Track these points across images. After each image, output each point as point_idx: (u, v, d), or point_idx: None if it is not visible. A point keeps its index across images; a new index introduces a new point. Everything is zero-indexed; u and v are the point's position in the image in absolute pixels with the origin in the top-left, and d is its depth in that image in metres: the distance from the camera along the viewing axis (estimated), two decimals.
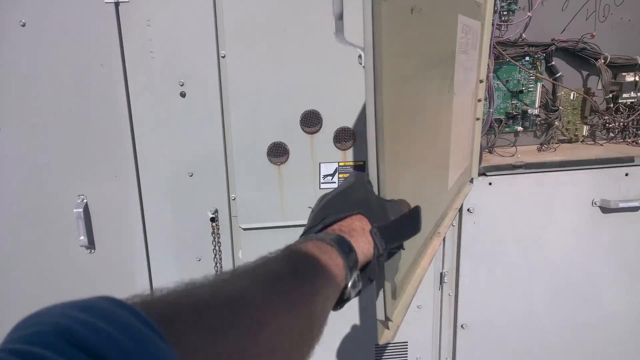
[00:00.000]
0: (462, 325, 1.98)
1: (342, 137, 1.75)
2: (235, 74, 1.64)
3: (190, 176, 1.72)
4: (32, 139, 1.64)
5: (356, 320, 1.97)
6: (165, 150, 1.69)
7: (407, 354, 2.05)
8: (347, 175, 1.77)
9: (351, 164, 1.80)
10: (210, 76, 1.64)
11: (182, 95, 1.64)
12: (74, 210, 1.66)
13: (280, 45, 1.63)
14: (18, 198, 1.67)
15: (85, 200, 1.67)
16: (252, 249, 1.84)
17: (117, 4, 1.54)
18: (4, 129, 1.60)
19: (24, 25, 1.52)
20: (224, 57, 1.63)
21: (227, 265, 1.84)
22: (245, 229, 1.79)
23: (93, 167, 1.67)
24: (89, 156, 1.66)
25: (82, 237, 1.67)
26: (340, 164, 1.79)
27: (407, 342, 2.03)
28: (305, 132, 1.74)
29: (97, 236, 1.73)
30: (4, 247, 1.71)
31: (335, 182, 1.81)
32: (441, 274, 1.98)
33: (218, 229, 1.77)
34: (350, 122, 1.74)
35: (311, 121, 1.72)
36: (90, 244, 1.72)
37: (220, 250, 1.80)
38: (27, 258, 1.73)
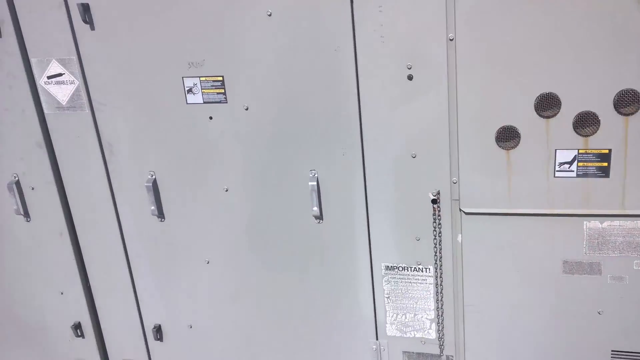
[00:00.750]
0: None
1: (584, 122, 1.31)
2: (464, 56, 1.44)
3: (413, 157, 1.50)
4: (270, 118, 1.65)
5: None
6: (389, 131, 1.59)
7: None
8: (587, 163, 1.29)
9: (594, 151, 1.35)
10: (439, 59, 1.43)
11: (410, 78, 1.42)
12: (309, 183, 1.58)
13: (512, 26, 1.34)
14: (258, 172, 1.70)
15: (316, 175, 1.58)
16: (473, 234, 1.58)
17: None
18: (251, 109, 1.67)
19: (270, 15, 1.52)
20: (452, 39, 1.34)
21: (446, 248, 1.59)
22: (467, 213, 1.50)
23: (323, 144, 1.66)
24: (321, 135, 1.65)
25: (314, 208, 1.60)
26: (581, 151, 1.36)
27: None
28: (540, 115, 1.35)
29: (326, 207, 1.64)
30: (246, 213, 1.73)
31: (573, 171, 1.39)
32: None
33: (439, 210, 1.52)
34: (594, 106, 1.33)
35: (547, 104, 1.33)
36: (318, 217, 1.63)
37: (440, 232, 1.56)
38: (268, 225, 1.75)
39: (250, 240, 1.85)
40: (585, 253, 1.54)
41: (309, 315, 1.90)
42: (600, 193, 1.46)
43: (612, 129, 1.39)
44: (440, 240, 1.66)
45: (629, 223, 1.48)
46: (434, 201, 1.61)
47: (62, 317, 2.17)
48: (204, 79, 1.65)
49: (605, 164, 1.43)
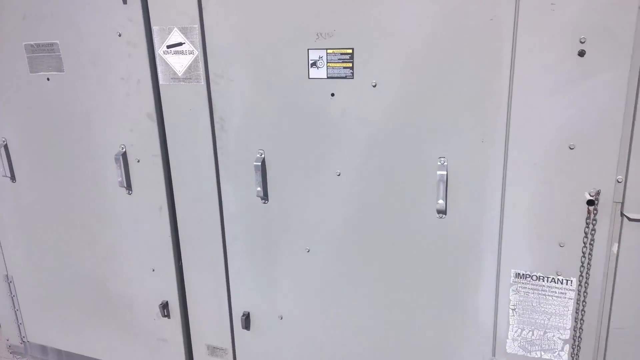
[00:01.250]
0: None
1: None
2: None
3: (571, 149, 1.16)
4: (400, 95, 1.39)
5: None
6: (545, 116, 1.30)
7: None
8: None
9: None
10: (625, 31, 1.07)
11: (581, 54, 1.08)
12: (437, 172, 1.27)
13: None
14: (377, 156, 1.46)
15: (446, 163, 1.26)
16: (634, 245, 1.17)
17: None
18: (380, 86, 1.42)
19: None
20: None
21: (597, 258, 1.22)
22: (631, 220, 1.14)
23: (458, 129, 1.39)
24: (458, 117, 1.38)
25: (440, 201, 1.27)
26: None
27: None
28: None
29: (451, 201, 1.31)
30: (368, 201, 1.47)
31: None
32: None
33: (596, 213, 1.16)
34: None
35: None
36: (442, 211, 1.41)
37: (593, 239, 1.20)
38: (381, 217, 1.46)
39: (359, 232, 1.58)
40: None
41: (415, 321, 1.61)
42: None
43: None
44: (592, 249, 1.30)
45: None
46: (590, 202, 1.26)
47: (150, 295, 1.98)
48: (331, 51, 1.40)
49: None
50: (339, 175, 1.53)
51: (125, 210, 1.90)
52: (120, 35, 1.65)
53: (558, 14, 1.18)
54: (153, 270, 1.94)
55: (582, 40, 1.18)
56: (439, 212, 1.44)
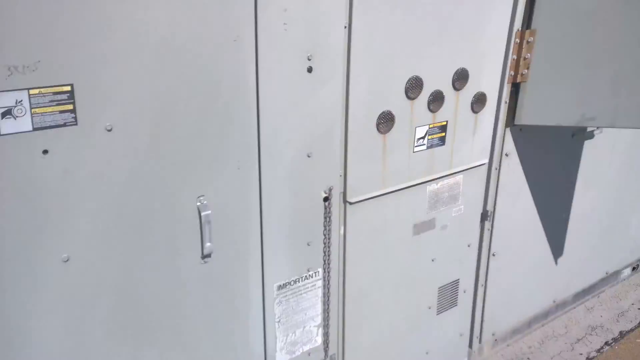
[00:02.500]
0: (493, 254, 2.61)
1: (435, 99, 2.08)
2: (358, 45, 1.81)
3: (309, 157, 1.85)
4: (144, 138, 1.54)
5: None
6: (288, 130, 1.77)
7: (458, 288, 2.56)
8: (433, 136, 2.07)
9: (438, 124, 2.14)
10: (336, 48, 1.77)
11: (309, 70, 1.74)
12: (202, 213, 1.66)
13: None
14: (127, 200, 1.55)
15: (205, 202, 1.68)
16: (355, 224, 2.07)
17: None
18: (117, 129, 1.45)
19: None
20: (346, 27, 1.76)
21: (334, 245, 2.04)
22: (351, 203, 2.01)
23: (213, 161, 1.70)
24: (212, 149, 1.68)
25: (208, 244, 1.70)
26: (431, 126, 2.12)
27: (458, 279, 2.57)
28: (408, 98, 2.00)
29: (216, 240, 1.76)
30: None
31: (424, 144, 2.14)
32: (482, 213, 2.51)
33: (330, 207, 1.96)
34: (442, 85, 2.09)
35: (414, 87, 1.98)
36: (209, 254, 1.74)
37: (330, 229, 2.00)
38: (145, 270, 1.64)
39: (111, 318, 1.65)
40: (427, 213, 2.36)
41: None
42: (439, 159, 2.20)
43: (450, 103, 2.16)
44: (330, 239, 2.06)
45: (451, 180, 2.38)
46: (325, 199, 1.99)
47: None
48: (37, 91, 1.31)
49: (443, 134, 2.23)
50: (67, 261, 1.49)
51: None
52: None
53: (290, 34, 1.56)
54: None
55: (310, 58, 1.68)
56: (204, 256, 1.74)
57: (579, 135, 2.61)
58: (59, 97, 1.29)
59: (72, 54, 1.29)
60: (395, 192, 2.11)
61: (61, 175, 1.36)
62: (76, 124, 1.34)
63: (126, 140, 1.44)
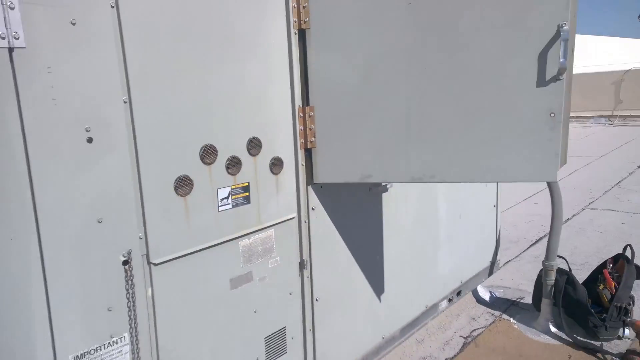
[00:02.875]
0: (316, 299, 2.68)
1: (232, 164, 2.18)
2: (141, 117, 1.87)
3: (100, 222, 1.82)
4: None
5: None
6: (73, 198, 1.73)
7: (285, 336, 2.61)
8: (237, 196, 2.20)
9: (240, 185, 2.21)
10: (117, 121, 1.78)
11: (90, 140, 1.74)
12: None
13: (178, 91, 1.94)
14: None
15: None
16: (163, 284, 2.05)
17: (10, 50, 1.53)
18: None
19: None
20: (126, 102, 1.80)
21: (140, 307, 2.00)
22: (156, 264, 1.99)
23: None
24: None
25: None
26: (233, 187, 2.19)
27: (284, 327, 2.59)
28: (204, 163, 2.06)
29: None
30: None
31: (229, 203, 2.19)
32: (300, 262, 2.59)
33: (131, 270, 1.93)
34: (237, 151, 2.19)
35: (208, 153, 2.06)
36: None
37: (134, 292, 1.95)
38: None
39: None
40: (242, 267, 2.38)
41: None
42: (247, 216, 2.29)
43: (248, 167, 2.25)
44: (134, 302, 1.99)
45: (263, 234, 2.43)
46: (125, 262, 1.94)
47: None
48: None
49: (247, 194, 2.29)
50: None
51: None
52: None
53: (61, 108, 1.63)
54: None
55: (88, 129, 1.68)
56: None
57: (374, 189, 2.80)
58: None
59: None
60: (205, 250, 2.15)
61: None
62: None
63: None
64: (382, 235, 2.94)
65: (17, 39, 1.48)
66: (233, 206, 2.18)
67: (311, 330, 2.69)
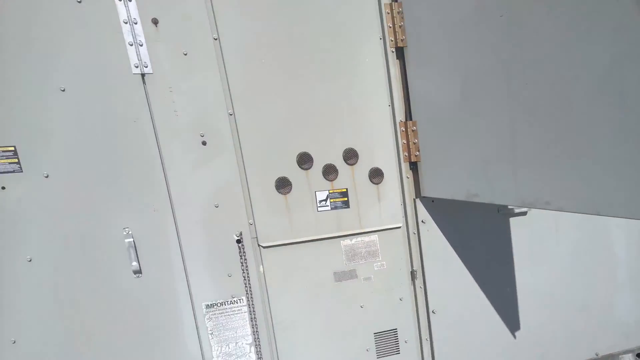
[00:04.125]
0: (432, 311, 2.20)
1: (329, 171, 2.09)
2: (243, 127, 2.00)
3: (217, 207, 1.93)
4: (77, 183, 1.90)
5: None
6: (194, 187, 2.02)
7: (397, 338, 2.24)
8: (335, 200, 2.03)
9: (338, 190, 2.03)
10: (224, 129, 1.99)
11: (204, 144, 1.87)
12: (125, 240, 1.84)
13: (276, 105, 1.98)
14: (71, 231, 1.88)
15: (131, 232, 1.86)
16: (271, 263, 2.07)
17: (142, 75, 1.77)
18: (53, 177, 1.87)
19: (64, 91, 1.83)
20: (231, 114, 1.96)
21: (253, 278, 2.04)
22: (264, 247, 2.00)
23: (134, 203, 1.99)
24: (132, 197, 1.98)
25: (134, 263, 1.87)
26: (330, 191, 2.03)
27: (395, 328, 2.22)
28: (301, 168, 1.97)
29: (144, 261, 1.92)
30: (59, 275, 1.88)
31: (328, 205, 2.03)
32: (411, 272, 2.19)
33: (243, 248, 1.98)
34: (333, 160, 2.08)
35: (305, 160, 2.01)
36: (137, 271, 1.93)
37: (247, 266, 2.01)
38: (81, 283, 1.91)
39: (65, 309, 1.96)
40: (345, 264, 2.20)
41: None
42: (347, 219, 2.15)
43: (345, 175, 2.10)
44: (248, 273, 2.11)
45: (366, 238, 2.20)
46: (238, 241, 2.06)
47: None
48: None
49: (346, 199, 2.13)
50: (30, 260, 1.90)
51: None
52: None
53: (182, 118, 1.94)
54: None
55: (202, 135, 1.97)
56: (135, 272, 2.00)
57: (503, 210, 2.21)
58: (7, 153, 1.68)
59: (15, 128, 1.80)
60: (307, 242, 2.17)
61: (16, 204, 1.72)
62: (22, 172, 1.70)
63: (61, 184, 1.89)
64: (512, 263, 2.26)
65: (146, 67, 1.80)
66: (332, 208, 2.06)
67: (428, 340, 2.28)
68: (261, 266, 2.15)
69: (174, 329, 2.11)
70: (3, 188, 1.82)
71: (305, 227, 2.12)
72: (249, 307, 2.17)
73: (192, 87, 1.92)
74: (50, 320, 1.96)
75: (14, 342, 1.91)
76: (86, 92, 1.83)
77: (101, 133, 1.88)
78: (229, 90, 1.95)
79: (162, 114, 1.92)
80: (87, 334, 1.99)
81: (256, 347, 2.21)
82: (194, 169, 1.99)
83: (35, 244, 1.90)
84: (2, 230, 1.87)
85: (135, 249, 1.97)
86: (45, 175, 1.86)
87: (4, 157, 1.80)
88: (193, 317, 2.11)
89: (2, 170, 1.81)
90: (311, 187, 2.09)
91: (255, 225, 2.09)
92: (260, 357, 2.21)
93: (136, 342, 2.05)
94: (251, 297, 2.16)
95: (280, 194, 2.07)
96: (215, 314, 2.14)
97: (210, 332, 2.15)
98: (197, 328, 2.13)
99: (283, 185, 2.07)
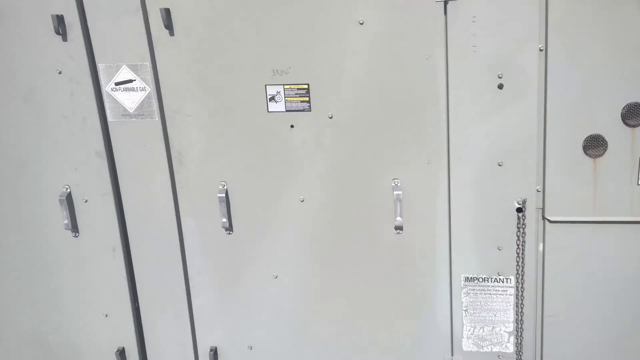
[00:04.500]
0: None
1: None
2: (556, 66, 1.52)
3: (500, 165, 1.50)
4: (355, 126, 1.67)
5: None
6: (477, 139, 1.64)
7: None
8: None
9: None
10: (529, 69, 1.53)
11: (500, 87, 1.43)
12: (394, 192, 1.54)
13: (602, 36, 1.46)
14: (337, 181, 1.71)
15: (399, 184, 1.54)
16: (556, 243, 1.58)
17: (445, 2, 1.37)
18: (336, 117, 1.67)
19: (362, 24, 1.57)
20: (542, 50, 1.40)
21: (529, 258, 1.56)
22: (552, 222, 1.50)
23: (408, 153, 1.68)
24: (407, 144, 1.67)
25: (398, 218, 1.55)
26: None
27: None
28: (626, 124, 1.38)
29: (406, 217, 1.59)
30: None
31: None
32: None
33: (524, 219, 1.50)
34: None
35: (634, 113, 1.36)
36: (399, 227, 1.73)
37: (524, 241, 1.55)
38: (345, 238, 1.70)
39: (324, 254, 1.77)
40: None
41: (380, 331, 1.81)
42: None
43: None
44: (524, 250, 1.66)
45: None
46: (519, 210, 1.61)
47: (104, 343, 1.98)
48: (288, 87, 1.61)
49: None
50: (302, 201, 1.73)
51: (72, 254, 1.91)
52: (60, 73, 1.71)
53: (480, 55, 1.53)
54: (106, 316, 1.96)
55: (500, 76, 1.54)
56: (396, 228, 1.71)
57: None
58: (300, 91, 1.53)
59: (310, 66, 1.63)
60: (615, 224, 1.64)
61: (300, 143, 1.58)
62: (310, 111, 1.53)
63: (341, 126, 1.68)
64: None
65: None
66: None
67: None
68: (542, 244, 1.66)
69: (423, 296, 1.78)
70: (292, 127, 1.68)
71: (617, 203, 1.58)
72: (517, 290, 1.71)
73: (497, 14, 1.49)
74: (305, 266, 1.82)
75: (276, 277, 1.81)
76: (385, 25, 1.55)
77: (389, 72, 1.60)
78: (546, 16, 1.45)
79: (459, 50, 1.56)
80: (334, 287, 1.80)
81: (517, 339, 1.76)
82: (482, 117, 1.59)
83: (308, 186, 1.73)
84: (287, 171, 1.74)
85: (401, 203, 1.67)
86: (330, 116, 1.66)
87: (298, 95, 1.65)
88: (449, 286, 1.75)
89: (294, 109, 1.66)
90: (635, 151, 1.49)
91: (544, 193, 1.60)
92: (519, 352, 1.75)
93: (388, 301, 1.79)
94: (522, 279, 1.70)
95: (587, 157, 1.54)
96: (474, 289, 1.74)
97: (465, 308, 1.77)
98: (450, 300, 1.76)
99: (595, 145, 1.52)
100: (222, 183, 1.81)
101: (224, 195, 1.76)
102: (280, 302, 1.88)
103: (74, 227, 1.92)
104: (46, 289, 1.99)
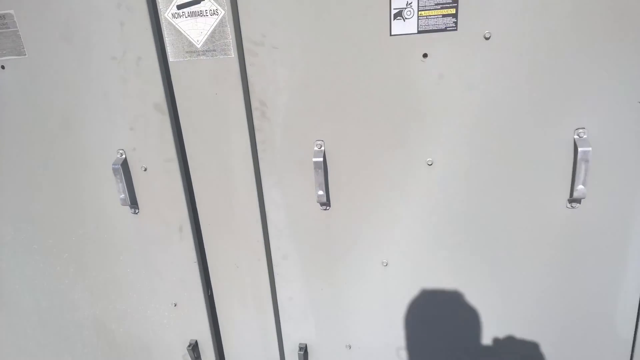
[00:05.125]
0: None
1: None
2: None
3: None
4: (521, 48, 1.03)
5: None
6: None
7: None
8: None
9: None
10: None
11: None
12: (579, 149, 0.90)
13: None
14: (487, 136, 1.01)
15: (585, 136, 0.91)
16: None
17: None
18: (495, 38, 1.04)
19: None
20: None
21: None
22: None
23: (604, 87, 1.01)
24: (599, 70, 1.00)
25: (580, 187, 0.92)
26: None
27: None
28: None
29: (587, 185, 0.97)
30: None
31: None
32: None
33: None
34: None
35: None
36: (576, 200, 1.03)
37: None
38: (489, 212, 1.08)
39: (459, 237, 1.18)
40: None
41: (536, 337, 1.23)
42: None
43: None
44: None
45: None
46: None
47: (174, 335, 1.51)
48: None
49: None
50: (430, 164, 1.14)
51: (132, 235, 1.43)
52: None
53: None
54: (175, 305, 1.49)
55: None
56: (572, 201, 1.09)
57: None
58: (444, 0, 0.89)
59: None
60: None
61: (436, 80, 0.97)
62: (456, 30, 0.92)
63: (504, 51, 1.06)
64: None
65: None
66: None
67: None
68: None
69: (605, 293, 1.16)
70: (425, 56, 1.06)
71: None
72: None
73: None
74: (427, 252, 1.23)
75: (386, 265, 1.24)
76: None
77: None
78: None
79: None
80: (471, 282, 1.22)
81: None
82: None
83: (441, 143, 1.11)
84: (413, 122, 1.13)
85: (587, 165, 1.04)
86: (487, 35, 1.02)
87: (439, 7, 1.02)
88: (630, 274, 1.13)
89: (431, 28, 1.04)
90: None
91: None
92: None
93: (547, 295, 1.19)
94: None
95: None
96: None
97: None
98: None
99: None
100: (319, 143, 1.24)
101: (321, 159, 1.17)
102: (389, 296, 1.32)
103: (133, 202, 1.45)
104: (106, 273, 1.55)
